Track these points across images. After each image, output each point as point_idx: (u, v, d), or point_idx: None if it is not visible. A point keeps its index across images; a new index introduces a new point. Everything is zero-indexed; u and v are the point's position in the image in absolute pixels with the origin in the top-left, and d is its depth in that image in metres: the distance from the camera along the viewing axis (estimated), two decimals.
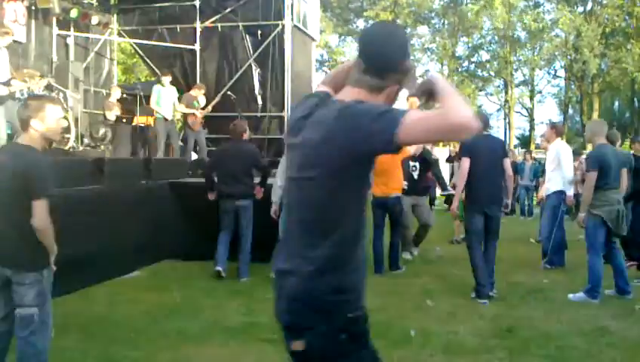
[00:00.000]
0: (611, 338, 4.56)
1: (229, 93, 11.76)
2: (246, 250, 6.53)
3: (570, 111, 34.45)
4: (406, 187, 7.38)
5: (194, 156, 10.55)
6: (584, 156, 8.81)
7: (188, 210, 7.48)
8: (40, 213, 3.21)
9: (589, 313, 5.29)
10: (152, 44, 12.41)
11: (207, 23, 12.28)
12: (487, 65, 31.93)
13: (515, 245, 9.09)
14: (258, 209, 6.55)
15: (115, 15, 12.96)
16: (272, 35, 11.87)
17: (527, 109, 34.41)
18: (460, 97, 1.58)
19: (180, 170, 8.56)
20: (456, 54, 32.14)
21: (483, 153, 5.78)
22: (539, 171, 13.01)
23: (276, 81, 12.08)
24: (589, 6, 29.85)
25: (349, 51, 33.89)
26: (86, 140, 9.95)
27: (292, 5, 11.99)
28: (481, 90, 33.36)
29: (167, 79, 10.41)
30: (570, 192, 7.24)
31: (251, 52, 12.19)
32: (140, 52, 13.11)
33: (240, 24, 12.13)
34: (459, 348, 4.33)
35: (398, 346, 4.37)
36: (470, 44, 31.97)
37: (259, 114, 12.17)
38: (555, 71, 33.74)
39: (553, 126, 7.78)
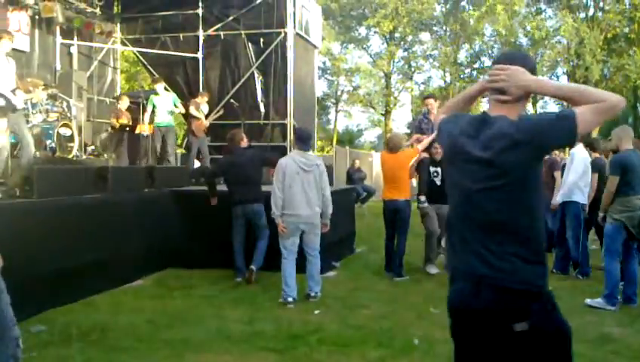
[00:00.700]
0: (615, 345, 4.53)
1: (231, 100, 11.81)
2: (263, 245, 6.67)
3: None
4: (417, 196, 7.49)
5: (196, 164, 10.57)
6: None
7: (191, 218, 7.49)
8: None
9: (593, 320, 5.26)
10: (155, 53, 12.48)
11: (210, 32, 12.35)
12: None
13: None
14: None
15: (119, 24, 13.04)
16: (275, 42, 11.92)
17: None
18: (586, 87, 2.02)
19: (183, 178, 8.58)
20: (458, 61, 32.18)
21: None
22: None
23: (279, 88, 12.12)
24: (591, 12, 29.89)
25: (351, 58, 34.04)
26: (89, 149, 9.99)
27: (294, 13, 12.05)
28: (483, 97, 33.31)
29: (160, 86, 10.24)
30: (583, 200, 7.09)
31: (254, 60, 12.25)
32: (143, 60, 13.19)
33: (242, 32, 12.19)
34: None
35: (401, 354, 4.36)
36: (472, 51, 32.02)
37: (261, 121, 12.21)
38: (558, 77, 33.75)
39: None
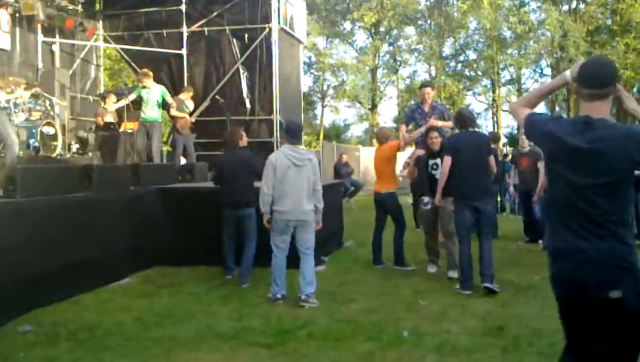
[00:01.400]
0: None
1: (217, 97, 11.75)
2: (249, 257, 6.46)
3: (557, 109, 34.69)
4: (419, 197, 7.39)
5: (182, 161, 10.50)
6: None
7: (177, 216, 7.45)
8: None
9: None
10: (139, 50, 12.37)
11: (194, 28, 12.27)
12: (474, 65, 32.09)
13: (506, 243, 9.14)
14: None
15: (101, 21, 12.91)
16: (259, 38, 11.89)
17: None
18: None
19: (169, 175, 8.52)
20: (443, 54, 32.27)
21: (467, 149, 6.00)
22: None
23: (264, 84, 12.09)
24: (574, 4, 30.12)
25: (337, 53, 33.97)
26: (73, 147, 9.89)
27: (279, 8, 12.01)
28: (468, 90, 33.52)
29: (148, 81, 9.70)
30: None
31: (239, 56, 12.19)
32: (127, 57, 13.07)
33: (227, 28, 12.14)
34: (451, 348, 4.34)
35: (390, 347, 4.37)
36: (457, 44, 32.12)
37: (247, 117, 12.18)
38: (542, 70, 34.01)
39: None
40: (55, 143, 8.55)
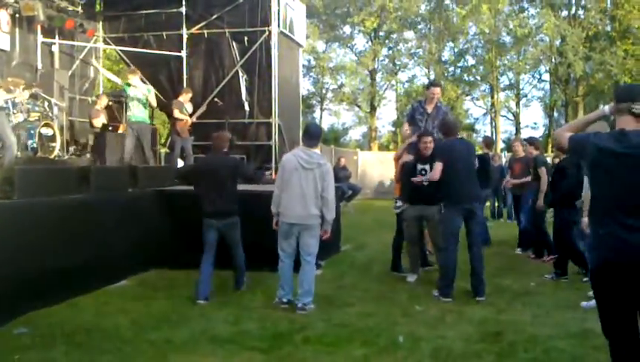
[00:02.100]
0: (597, 340, 4.56)
1: (215, 99, 11.77)
2: (241, 265, 6.26)
3: (556, 114, 34.78)
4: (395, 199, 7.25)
5: (180, 163, 10.51)
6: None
7: (175, 218, 7.45)
8: None
9: (575, 316, 5.33)
10: (138, 51, 12.38)
11: (194, 30, 12.29)
12: (473, 70, 32.14)
13: (502, 248, 9.16)
14: (245, 217, 6.51)
15: (101, 22, 12.92)
16: (259, 41, 11.90)
17: (512, 113, 34.70)
18: None
19: (167, 177, 8.52)
20: (443, 59, 32.32)
21: (459, 155, 6.09)
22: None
23: (263, 87, 12.10)
24: (573, 10, 30.20)
25: (336, 57, 34.00)
26: (72, 149, 9.88)
27: (278, 12, 12.03)
28: (467, 95, 33.57)
29: (134, 79, 9.35)
30: None
31: (238, 58, 12.21)
32: (126, 59, 13.07)
33: (226, 30, 12.15)
34: (447, 353, 4.35)
35: (386, 352, 4.39)
36: (456, 49, 32.18)
37: (246, 120, 12.19)
38: (540, 75, 34.07)
39: None
40: (53, 144, 8.56)
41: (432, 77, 32.17)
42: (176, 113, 10.35)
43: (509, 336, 4.73)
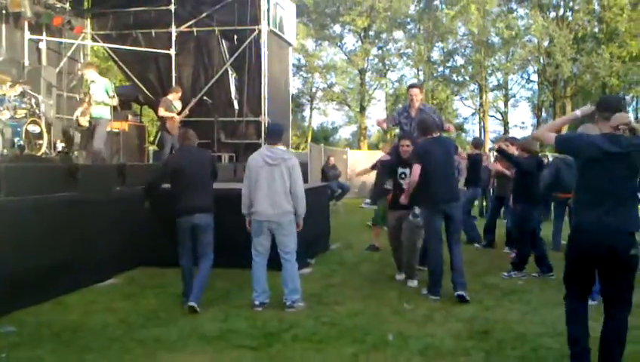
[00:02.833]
0: (592, 339, 4.62)
1: (205, 98, 11.73)
2: (204, 274, 5.61)
3: (544, 115, 35.02)
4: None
5: None
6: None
7: (163, 216, 7.38)
8: None
9: (563, 313, 5.34)
10: (127, 49, 12.31)
11: (183, 28, 12.25)
12: (462, 70, 32.28)
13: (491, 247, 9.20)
14: (233, 214, 6.47)
15: (89, 19, 12.83)
16: (248, 39, 11.89)
17: (501, 113, 34.92)
18: None
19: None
20: (432, 59, 32.42)
21: (435, 155, 5.99)
22: None
23: (253, 85, 12.09)
24: (561, 12, 30.43)
25: (326, 55, 34.00)
26: (59, 146, 9.78)
27: (268, 10, 12.03)
28: (456, 95, 33.72)
29: (91, 73, 8.99)
30: None
31: (227, 57, 12.19)
32: (114, 56, 13.00)
33: (216, 29, 12.13)
34: (436, 351, 4.37)
35: (375, 350, 4.39)
36: (445, 49, 32.30)
37: (235, 119, 12.17)
38: (529, 75, 34.33)
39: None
40: (40, 142, 8.45)
41: (422, 77, 32.30)
42: (161, 111, 10.28)
43: (498, 334, 4.76)
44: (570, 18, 29.49)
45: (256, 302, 5.54)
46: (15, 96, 8.18)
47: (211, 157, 6.11)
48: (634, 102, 36.99)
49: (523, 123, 44.11)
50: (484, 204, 14.42)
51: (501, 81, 33.57)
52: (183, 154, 5.97)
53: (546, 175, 8.16)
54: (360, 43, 32.83)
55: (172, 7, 12.03)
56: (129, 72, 12.88)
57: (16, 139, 8.01)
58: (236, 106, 12.15)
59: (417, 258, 6.64)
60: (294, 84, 31.64)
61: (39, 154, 8.26)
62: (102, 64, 23.36)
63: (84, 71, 9.08)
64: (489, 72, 31.73)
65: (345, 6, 30.62)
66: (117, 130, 10.56)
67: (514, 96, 35.38)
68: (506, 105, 34.49)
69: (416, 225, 6.34)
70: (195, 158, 5.82)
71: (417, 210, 6.27)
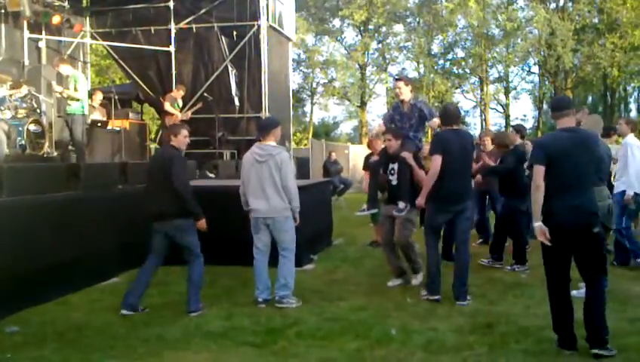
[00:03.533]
0: (584, 330, 4.63)
1: (205, 94, 11.72)
2: (195, 279, 5.36)
3: (545, 106, 34.94)
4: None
5: None
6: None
7: None
8: None
9: None
10: (126, 47, 12.29)
11: (182, 25, 12.22)
12: (463, 63, 32.20)
13: None
14: (235, 211, 6.45)
15: (88, 17, 12.81)
16: (248, 35, 11.86)
17: (502, 106, 34.83)
18: None
19: None
20: (432, 52, 32.34)
21: (453, 150, 5.51)
22: None
23: (253, 81, 12.07)
24: (562, 3, 30.31)
25: (326, 50, 33.93)
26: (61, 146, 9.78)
27: (267, 5, 11.99)
28: (456, 88, 33.63)
29: (63, 67, 8.83)
30: (630, 191, 6.83)
31: (227, 53, 12.16)
32: (114, 54, 12.99)
33: (215, 25, 12.10)
34: (439, 346, 4.37)
35: (379, 345, 4.40)
36: (445, 42, 32.21)
37: (236, 115, 12.15)
38: (530, 67, 34.23)
39: (628, 121, 7.36)
40: (42, 141, 8.46)
41: (422, 70, 32.20)
42: (167, 106, 10.28)
43: (501, 328, 4.76)
44: (570, 9, 29.36)
45: (259, 299, 5.55)
46: (16, 96, 8.18)
47: (169, 156, 5.31)
48: (635, 92, 36.97)
49: (524, 115, 43.99)
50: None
51: (502, 74, 33.48)
52: (155, 154, 5.63)
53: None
54: (360, 37, 32.74)
55: (171, 3, 12.00)
56: (129, 70, 12.87)
57: (18, 139, 8.02)
58: (237, 103, 12.12)
59: (416, 251, 6.27)
60: (294, 80, 31.61)
61: (41, 153, 8.27)
62: (101, 62, 23.39)
63: (59, 66, 8.86)
64: (490, 64, 31.65)
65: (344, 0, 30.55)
66: (118, 129, 10.57)
67: (515, 88, 35.32)
68: (507, 97, 34.41)
69: (407, 220, 6.01)
70: (158, 160, 5.60)
71: (402, 205, 5.92)
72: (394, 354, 4.22)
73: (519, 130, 8.08)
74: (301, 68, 33.85)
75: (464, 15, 29.32)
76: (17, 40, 10.66)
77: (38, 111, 8.87)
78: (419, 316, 5.16)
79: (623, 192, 6.87)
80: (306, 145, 27.56)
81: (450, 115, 5.78)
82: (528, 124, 36.68)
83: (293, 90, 18.38)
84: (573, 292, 5.62)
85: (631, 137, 7.02)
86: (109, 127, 10.38)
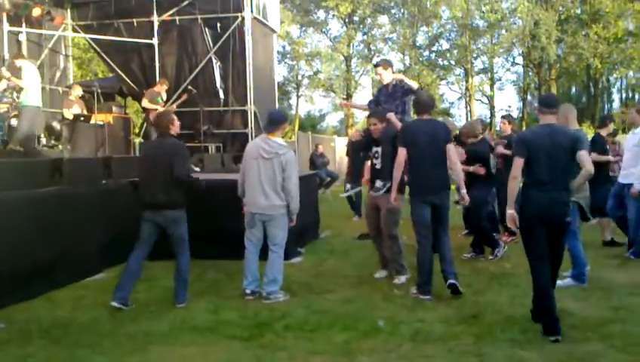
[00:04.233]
0: (573, 319, 4.69)
1: (189, 87, 11.62)
2: (183, 271, 5.37)
3: (529, 97, 35.21)
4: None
5: None
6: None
7: None
8: None
9: None
10: (108, 39, 12.14)
11: (165, 17, 12.10)
12: (448, 54, 32.28)
13: None
14: (225, 204, 6.44)
15: (69, 10, 12.62)
16: (232, 27, 11.78)
17: (487, 97, 35.02)
18: None
19: None
20: (417, 44, 32.36)
21: (422, 139, 5.42)
22: None
23: (238, 74, 12.00)
24: None
25: (311, 42, 33.83)
26: (43, 140, 9.67)
27: None
28: (442, 80, 33.73)
29: (18, 62, 8.57)
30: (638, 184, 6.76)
31: (211, 45, 12.07)
32: (96, 47, 12.83)
33: (199, 17, 12.00)
34: (426, 336, 4.40)
35: (366, 337, 4.41)
36: (430, 34, 32.25)
37: (221, 108, 12.09)
38: (514, 58, 34.41)
39: (639, 110, 7.17)
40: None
41: (407, 62, 32.23)
42: (144, 102, 10.18)
43: (487, 317, 4.80)
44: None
45: (247, 291, 5.54)
46: (0, 90, 8.06)
47: (174, 150, 5.28)
48: (618, 83, 37.34)
49: (509, 106, 44.33)
50: None
51: (486, 65, 33.64)
52: (149, 144, 5.69)
53: None
54: (345, 29, 32.66)
55: None
56: (111, 63, 12.72)
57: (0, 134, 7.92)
58: (221, 95, 12.05)
59: (401, 250, 6.13)
60: (280, 72, 31.48)
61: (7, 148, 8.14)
62: (83, 55, 23.11)
63: (16, 61, 8.61)
64: (474, 55, 31.76)
65: None
66: (101, 123, 10.45)
67: (499, 79, 35.51)
68: (491, 88, 34.59)
69: (391, 210, 5.90)
70: (155, 150, 5.48)
71: (379, 183, 5.92)
72: (382, 346, 4.24)
73: (511, 120, 8.13)
74: (286, 60, 33.75)
75: (448, 6, 29.36)
76: None
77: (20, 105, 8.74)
78: (406, 307, 5.18)
79: (630, 185, 6.82)
80: (291, 137, 27.52)
81: (423, 104, 5.70)
82: (513, 115, 36.88)
83: (278, 83, 18.30)
84: (559, 283, 5.70)
85: None
86: (92, 122, 10.26)
